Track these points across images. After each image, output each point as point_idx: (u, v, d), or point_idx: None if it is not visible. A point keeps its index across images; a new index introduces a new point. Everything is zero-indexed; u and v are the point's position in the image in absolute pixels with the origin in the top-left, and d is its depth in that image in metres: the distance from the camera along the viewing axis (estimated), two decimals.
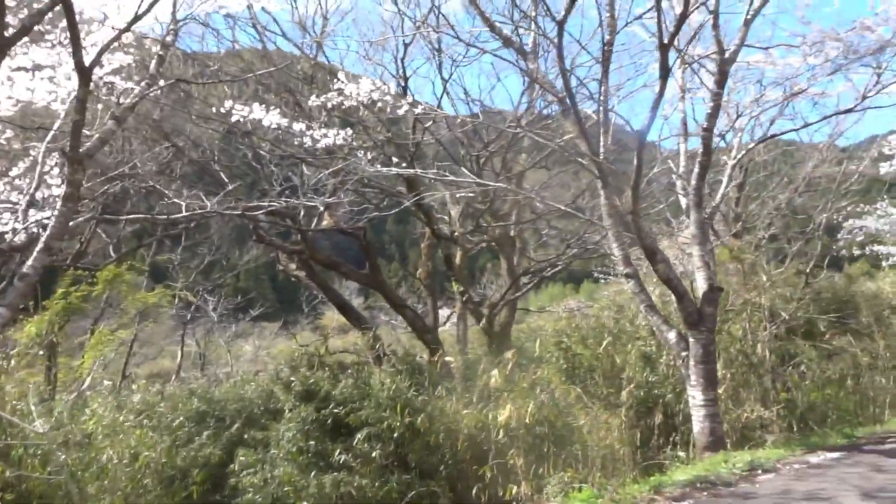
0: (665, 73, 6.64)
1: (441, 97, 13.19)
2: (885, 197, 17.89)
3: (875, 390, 15.31)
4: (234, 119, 8.06)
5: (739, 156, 9.49)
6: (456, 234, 15.19)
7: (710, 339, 7.93)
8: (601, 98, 7.43)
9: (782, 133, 9.92)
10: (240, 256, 26.31)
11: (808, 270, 17.42)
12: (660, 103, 6.99)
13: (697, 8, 7.63)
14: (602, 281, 19.91)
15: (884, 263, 18.65)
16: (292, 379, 8.66)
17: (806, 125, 9.69)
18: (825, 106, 9.98)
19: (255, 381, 11.17)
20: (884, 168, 17.74)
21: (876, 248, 17.81)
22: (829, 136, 17.60)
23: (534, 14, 8.01)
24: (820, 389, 14.72)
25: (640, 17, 7.78)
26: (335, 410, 7.90)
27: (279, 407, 8.82)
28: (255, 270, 35.32)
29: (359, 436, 7.59)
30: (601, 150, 7.46)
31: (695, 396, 7.90)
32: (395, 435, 7.64)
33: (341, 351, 14.50)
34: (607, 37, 7.07)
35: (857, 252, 17.80)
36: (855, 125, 19.25)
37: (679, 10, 6.79)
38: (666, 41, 6.34)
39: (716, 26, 8.19)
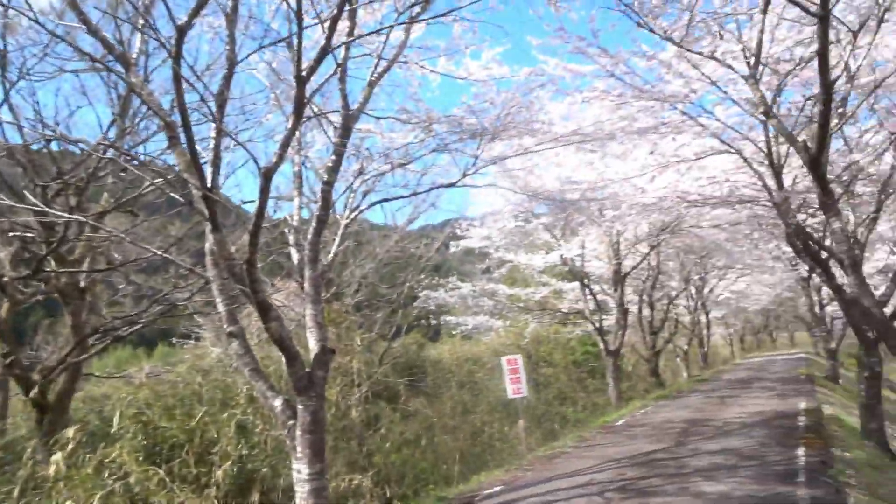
0: (300, 107, 6.03)
1: None
2: (454, 273, 20.54)
3: (445, 448, 16.87)
4: None
5: (352, 216, 9.38)
6: (5, 279, 11.92)
7: (319, 406, 7.28)
8: (217, 125, 6.44)
9: (393, 198, 10.19)
10: None
11: (389, 336, 18.63)
12: (290, 140, 6.32)
13: (339, 47, 7.32)
14: (182, 344, 18.31)
15: (455, 332, 21.13)
16: None
17: (414, 193, 10.23)
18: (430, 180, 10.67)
19: None
20: (453, 248, 20.16)
21: (447, 318, 20.00)
22: (408, 218, 19.56)
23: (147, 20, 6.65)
24: (398, 451, 15.47)
25: (273, 44, 7.14)
26: None
27: None
28: None
29: None
30: (215, 184, 6.42)
31: (300, 470, 7.08)
32: None
33: None
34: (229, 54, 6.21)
35: (433, 321, 19.67)
36: (432, 209, 21.76)
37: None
38: (304, 73, 5.76)
39: (343, 80, 8.00)
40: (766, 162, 10.98)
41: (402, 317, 19.78)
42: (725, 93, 10.96)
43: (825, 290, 25.66)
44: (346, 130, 7.97)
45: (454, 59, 10.23)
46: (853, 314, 11.74)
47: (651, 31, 9.08)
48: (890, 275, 13.50)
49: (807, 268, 24.75)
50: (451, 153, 10.77)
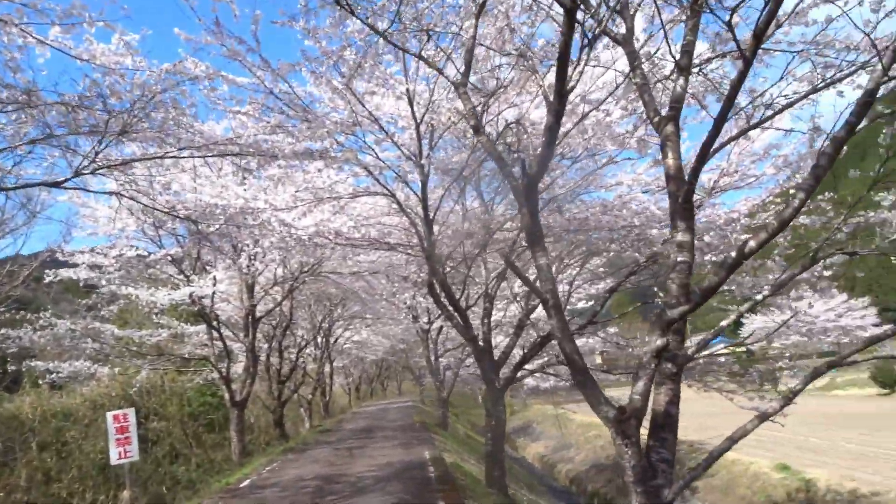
0: None
1: None
2: (48, 307, 16.54)
3: None
4: None
5: None
6: None
7: None
8: None
9: None
10: None
11: None
12: None
13: None
14: None
15: (43, 381, 16.87)
16: None
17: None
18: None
19: None
20: (49, 277, 16.36)
21: (34, 363, 15.91)
22: None
23: None
24: None
25: None
26: None
27: None
28: None
29: None
30: None
31: None
32: None
33: None
34: None
35: (10, 367, 15.37)
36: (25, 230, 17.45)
37: None
38: None
39: None
40: (421, 207, 10.97)
41: None
42: (387, 133, 10.74)
43: (441, 342, 27.90)
44: None
45: (73, 31, 7.96)
46: (484, 365, 12.34)
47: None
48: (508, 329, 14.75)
49: (426, 320, 26.63)
50: (62, 148, 8.30)
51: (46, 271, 16.40)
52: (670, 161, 5.15)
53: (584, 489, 30.05)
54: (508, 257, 9.93)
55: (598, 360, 34.81)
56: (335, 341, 33.22)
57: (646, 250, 10.25)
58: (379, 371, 69.59)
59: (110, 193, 8.24)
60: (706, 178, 10.85)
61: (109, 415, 9.22)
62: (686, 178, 5.03)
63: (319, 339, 29.91)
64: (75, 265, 15.66)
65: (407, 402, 51.92)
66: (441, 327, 26.52)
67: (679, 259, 4.87)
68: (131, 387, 23.02)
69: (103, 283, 14.70)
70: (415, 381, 56.18)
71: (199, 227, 9.56)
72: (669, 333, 4.60)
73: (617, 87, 7.40)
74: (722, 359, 12.98)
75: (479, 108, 5.74)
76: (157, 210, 8.52)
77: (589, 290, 16.77)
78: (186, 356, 20.76)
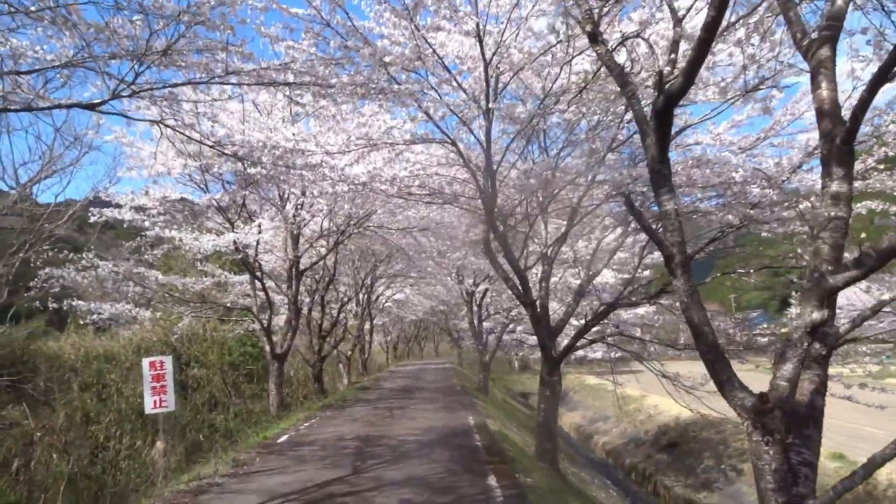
0: None
1: None
2: (91, 247, 16.22)
3: (53, 474, 12.71)
4: None
5: None
6: None
7: None
8: None
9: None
10: None
11: None
12: None
13: None
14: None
15: (85, 321, 16.64)
16: None
17: (30, 109, 6.72)
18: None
19: None
20: (94, 217, 15.92)
21: (77, 303, 15.62)
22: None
23: None
24: None
25: None
26: None
27: None
28: None
29: None
30: None
31: None
32: None
33: None
34: None
35: (52, 305, 15.09)
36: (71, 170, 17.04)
37: None
38: None
39: None
40: (483, 157, 10.04)
41: (9, 296, 14.88)
42: (451, 73, 9.75)
43: (485, 305, 27.12)
44: None
45: None
46: (540, 331, 11.48)
47: None
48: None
49: (471, 282, 25.82)
50: (100, 72, 7.57)
51: (91, 209, 15.99)
52: (824, 93, 4.13)
53: (621, 462, 29.31)
54: (629, 199, 8.75)
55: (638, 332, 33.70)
56: (376, 299, 32.74)
57: (740, 213, 9.11)
58: (417, 331, 69.49)
59: (151, 122, 7.51)
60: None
61: (146, 361, 8.64)
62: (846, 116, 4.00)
63: (361, 296, 29.44)
64: (119, 206, 15.19)
65: (444, 363, 51.64)
66: (486, 290, 25.69)
67: (834, 214, 3.89)
68: (173, 333, 22.90)
69: (147, 224, 14.17)
70: (452, 343, 55.81)
71: (247, 166, 8.79)
72: (826, 306, 3.67)
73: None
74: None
75: (596, 12, 4.75)
76: (203, 143, 7.76)
77: (656, 258, 15.62)
78: (228, 305, 20.37)
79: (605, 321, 12.07)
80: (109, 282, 16.36)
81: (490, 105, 9.26)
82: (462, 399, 20.32)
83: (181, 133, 7.63)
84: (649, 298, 10.55)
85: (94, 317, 16.06)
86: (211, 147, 7.81)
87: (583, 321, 12.47)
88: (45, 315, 19.05)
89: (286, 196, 16.26)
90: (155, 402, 8.64)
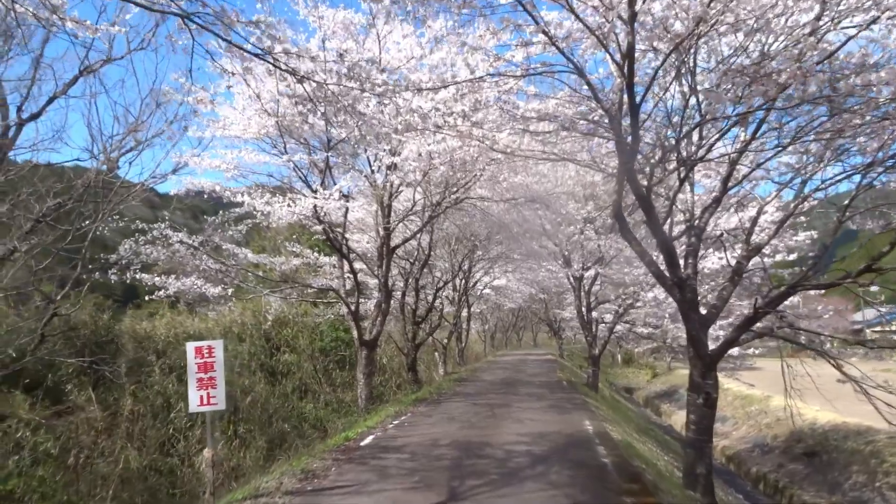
0: None
1: None
2: (166, 218, 14.94)
3: (107, 466, 11.39)
4: None
5: None
6: None
7: None
8: None
9: None
10: None
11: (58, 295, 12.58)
12: None
13: None
14: None
15: (155, 297, 15.44)
16: None
17: None
18: None
19: None
20: (172, 183, 14.60)
21: (143, 276, 14.34)
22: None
23: None
24: (22, 474, 9.86)
25: None
26: None
27: None
28: None
29: None
30: None
31: None
32: None
33: None
34: None
35: (113, 277, 13.81)
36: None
37: None
38: None
39: None
40: (622, 86, 7.55)
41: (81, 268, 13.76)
42: None
43: (594, 292, 24.39)
44: None
45: None
46: (690, 321, 8.88)
47: None
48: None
49: (579, 266, 23.18)
50: None
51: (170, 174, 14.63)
52: None
53: (746, 470, 25.92)
54: None
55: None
56: (474, 285, 30.62)
57: None
58: (515, 320, 67.01)
59: (256, 55, 5.62)
60: None
61: (190, 346, 6.83)
62: None
63: (458, 282, 27.38)
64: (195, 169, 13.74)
65: (545, 354, 48.99)
66: (596, 275, 22.95)
67: None
68: (265, 319, 21.72)
69: (217, 189, 12.63)
70: (551, 333, 53.03)
71: (323, 85, 6.75)
72: None
73: None
74: None
75: None
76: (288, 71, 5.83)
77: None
78: (314, 287, 18.78)
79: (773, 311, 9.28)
80: (189, 255, 15.04)
81: (637, 7, 6.73)
82: (572, 397, 17.82)
83: (285, 70, 5.80)
84: (848, 279, 7.74)
85: (162, 292, 14.72)
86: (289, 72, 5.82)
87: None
88: (103, 287, 17.79)
89: (376, 158, 14.36)
90: (201, 397, 6.80)
